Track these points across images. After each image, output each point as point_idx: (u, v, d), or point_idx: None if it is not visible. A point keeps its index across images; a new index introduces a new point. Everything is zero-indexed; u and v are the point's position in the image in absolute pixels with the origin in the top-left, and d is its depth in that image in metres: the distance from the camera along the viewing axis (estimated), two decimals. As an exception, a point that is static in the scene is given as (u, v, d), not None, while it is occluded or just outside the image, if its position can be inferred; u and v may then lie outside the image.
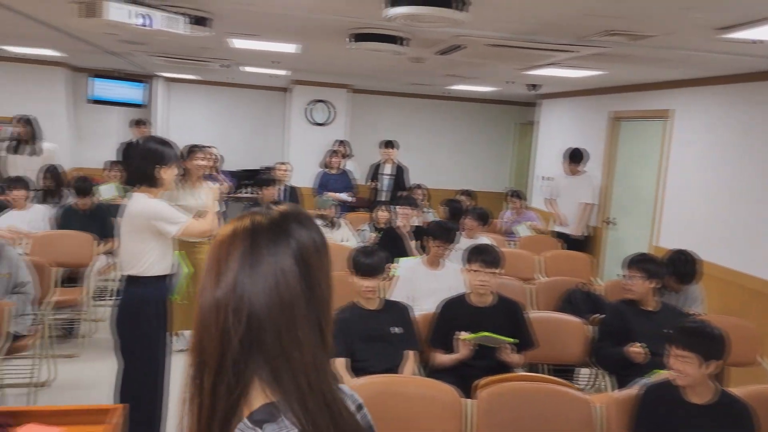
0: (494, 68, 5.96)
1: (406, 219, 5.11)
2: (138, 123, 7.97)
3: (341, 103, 9.28)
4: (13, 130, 6.52)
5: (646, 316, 3.43)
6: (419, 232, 5.01)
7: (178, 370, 2.50)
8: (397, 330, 3.13)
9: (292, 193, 6.87)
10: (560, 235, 6.46)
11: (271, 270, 0.91)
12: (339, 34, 4.34)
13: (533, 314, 3.57)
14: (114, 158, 7.48)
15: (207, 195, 3.79)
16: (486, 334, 3.06)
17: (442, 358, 3.21)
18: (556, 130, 8.21)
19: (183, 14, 3.51)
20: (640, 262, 3.50)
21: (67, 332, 4.93)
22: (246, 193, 8.45)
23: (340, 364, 2.96)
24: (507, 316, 3.28)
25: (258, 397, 0.90)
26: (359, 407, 1.05)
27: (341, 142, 8.62)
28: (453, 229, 4.11)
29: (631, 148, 6.56)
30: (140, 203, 3.05)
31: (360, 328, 3.08)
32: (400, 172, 7.55)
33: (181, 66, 7.64)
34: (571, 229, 6.51)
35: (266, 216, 0.97)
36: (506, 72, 6.13)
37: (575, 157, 6.47)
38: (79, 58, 7.96)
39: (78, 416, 2.04)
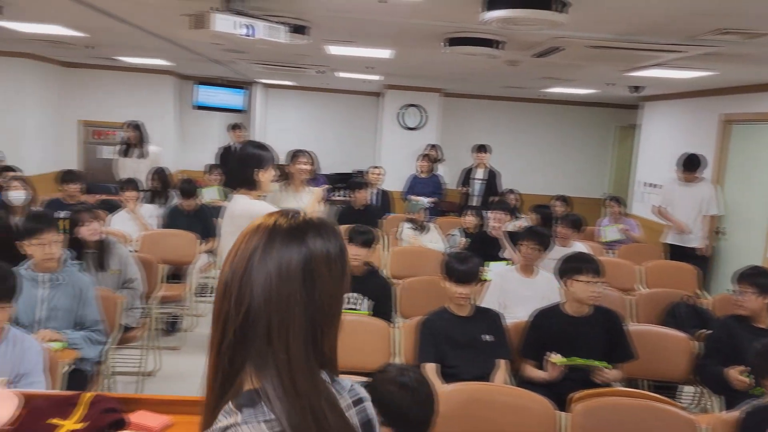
0: (594, 70, 5.75)
1: (499, 223, 5.02)
2: (234, 127, 8.32)
3: (433, 107, 9.28)
4: (123, 135, 7.00)
5: (759, 334, 3.18)
6: (512, 238, 4.92)
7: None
8: (488, 338, 3.08)
9: (384, 197, 6.93)
10: (676, 249, 5.93)
11: (275, 267, 0.96)
12: (433, 38, 4.35)
13: (633, 327, 3.42)
14: (213, 162, 7.83)
15: (309, 199, 3.90)
16: (579, 360, 2.94)
17: (533, 373, 3.12)
18: (661, 134, 7.81)
19: (283, 23, 3.63)
20: (753, 276, 3.27)
21: (171, 326, 5.21)
22: (338, 196, 8.62)
23: (430, 369, 2.95)
24: (604, 326, 3.15)
25: (246, 383, 0.96)
26: (358, 401, 1.05)
27: (432, 146, 8.61)
28: (546, 234, 4.00)
29: (743, 153, 6.12)
30: (242, 204, 3.18)
31: (449, 334, 3.06)
32: (492, 177, 7.43)
33: (278, 72, 7.92)
34: (698, 243, 5.91)
35: (290, 220, 1.01)
36: (607, 73, 5.90)
37: (691, 163, 5.86)
38: (186, 66, 8.43)
39: (183, 406, 2.15)
